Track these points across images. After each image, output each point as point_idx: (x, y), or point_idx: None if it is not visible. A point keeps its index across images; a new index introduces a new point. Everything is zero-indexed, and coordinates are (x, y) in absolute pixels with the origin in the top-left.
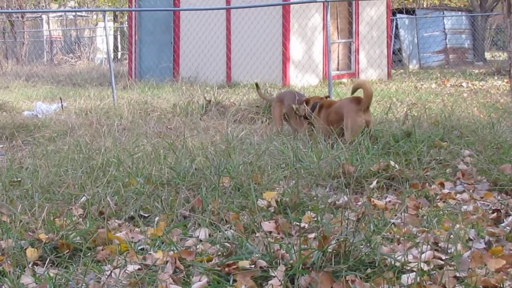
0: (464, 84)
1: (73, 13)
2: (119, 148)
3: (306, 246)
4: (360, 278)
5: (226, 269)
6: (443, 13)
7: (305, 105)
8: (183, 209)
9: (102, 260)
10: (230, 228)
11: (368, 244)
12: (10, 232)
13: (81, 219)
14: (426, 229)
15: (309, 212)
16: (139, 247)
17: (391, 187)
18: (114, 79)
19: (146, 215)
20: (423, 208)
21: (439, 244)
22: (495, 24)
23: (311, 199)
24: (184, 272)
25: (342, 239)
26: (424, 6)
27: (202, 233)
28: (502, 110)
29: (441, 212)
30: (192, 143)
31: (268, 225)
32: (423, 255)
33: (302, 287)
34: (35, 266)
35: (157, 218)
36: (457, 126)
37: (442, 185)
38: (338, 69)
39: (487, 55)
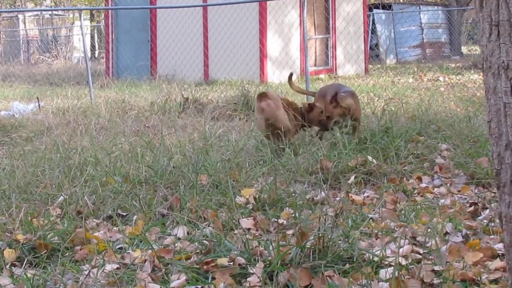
0: (441, 79)
1: (50, 12)
2: (97, 147)
3: (284, 242)
4: (339, 273)
5: (205, 266)
6: (420, 8)
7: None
8: (161, 207)
9: (80, 259)
10: (209, 226)
11: (346, 240)
12: None
13: (58, 219)
14: (404, 224)
15: (287, 208)
16: (117, 246)
17: (369, 182)
18: (91, 78)
19: (124, 214)
20: (401, 203)
21: (417, 238)
22: (471, 18)
23: (289, 196)
24: (162, 271)
25: (320, 235)
26: (401, 1)
27: (180, 231)
28: (479, 104)
29: (419, 206)
30: (170, 141)
31: (246, 222)
32: (401, 250)
33: (280, 284)
34: (12, 267)
35: (135, 217)
36: (434, 121)
37: (419, 179)
38: (315, 65)
39: (464, 49)
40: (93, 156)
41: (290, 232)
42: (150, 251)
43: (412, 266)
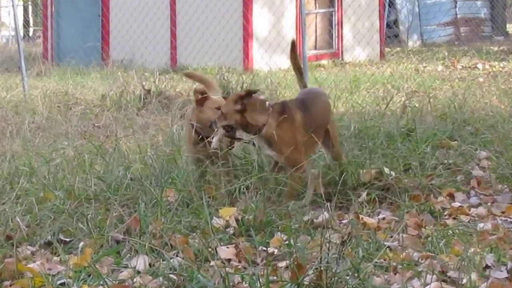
0: (479, 66)
1: None
2: (32, 152)
3: (275, 277)
4: None
5: None
6: None
7: None
8: (115, 231)
9: None
10: (177, 256)
11: (356, 275)
12: None
13: None
14: (430, 254)
15: (279, 233)
16: (59, 282)
17: (385, 200)
18: (25, 63)
19: (67, 239)
20: (426, 227)
21: (448, 273)
22: None
23: (282, 217)
24: None
25: (322, 268)
26: None
27: (141, 262)
28: None
29: (450, 231)
30: (127, 145)
31: (226, 251)
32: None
33: None
34: None
35: (81, 244)
36: (471, 120)
37: (451, 196)
38: (315, 48)
39: (510, 28)
40: (27, 165)
41: (282, 264)
42: None
43: None
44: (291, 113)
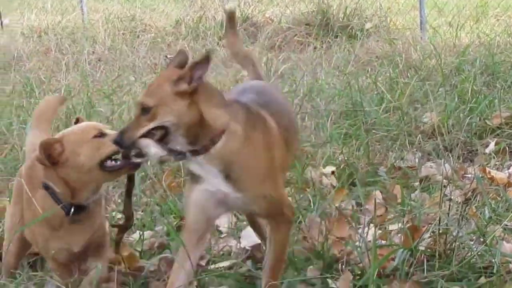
0: None
1: None
2: (92, 89)
3: (384, 242)
4: None
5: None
6: None
7: None
8: None
9: None
10: None
11: (482, 239)
12: None
13: None
14: None
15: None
16: None
17: None
18: None
19: None
20: None
21: None
22: None
23: (391, 171)
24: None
25: (440, 232)
26: None
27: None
28: None
29: None
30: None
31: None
32: None
33: None
34: None
35: None
36: None
37: None
38: None
39: None
40: (86, 104)
41: (393, 227)
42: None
43: None
44: (261, 117)
